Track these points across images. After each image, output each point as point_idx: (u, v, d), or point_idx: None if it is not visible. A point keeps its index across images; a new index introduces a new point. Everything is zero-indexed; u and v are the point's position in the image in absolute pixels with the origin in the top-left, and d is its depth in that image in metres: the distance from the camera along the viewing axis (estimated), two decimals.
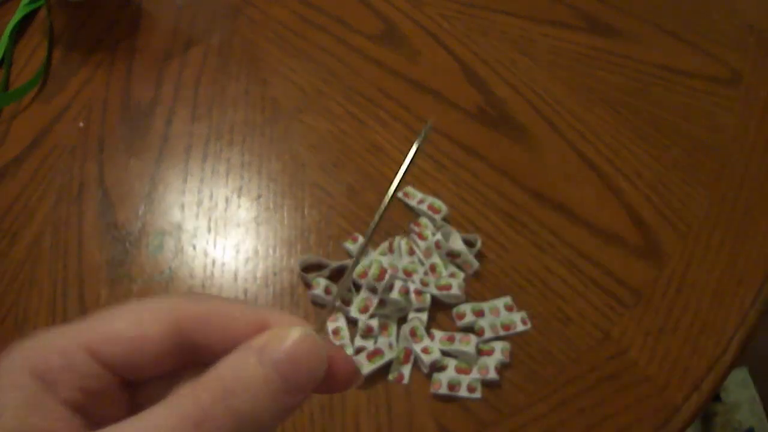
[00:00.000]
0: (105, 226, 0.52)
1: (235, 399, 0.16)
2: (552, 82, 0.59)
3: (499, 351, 0.45)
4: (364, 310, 0.45)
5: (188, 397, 0.16)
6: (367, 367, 0.44)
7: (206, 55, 0.60)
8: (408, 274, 0.47)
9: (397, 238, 0.49)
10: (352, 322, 0.46)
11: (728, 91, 0.59)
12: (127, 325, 0.17)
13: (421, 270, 0.48)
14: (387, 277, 0.44)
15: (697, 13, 0.63)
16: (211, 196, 0.53)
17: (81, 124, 0.57)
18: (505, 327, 0.47)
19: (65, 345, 0.17)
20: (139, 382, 0.18)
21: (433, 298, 0.47)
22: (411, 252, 0.49)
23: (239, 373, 0.16)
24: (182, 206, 0.53)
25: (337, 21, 0.62)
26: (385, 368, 0.45)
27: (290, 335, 0.17)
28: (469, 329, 0.47)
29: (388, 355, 0.44)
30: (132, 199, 0.53)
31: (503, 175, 0.53)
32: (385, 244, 0.49)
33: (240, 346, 0.17)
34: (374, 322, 0.45)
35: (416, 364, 0.45)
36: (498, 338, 0.46)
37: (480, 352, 0.45)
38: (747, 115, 0.57)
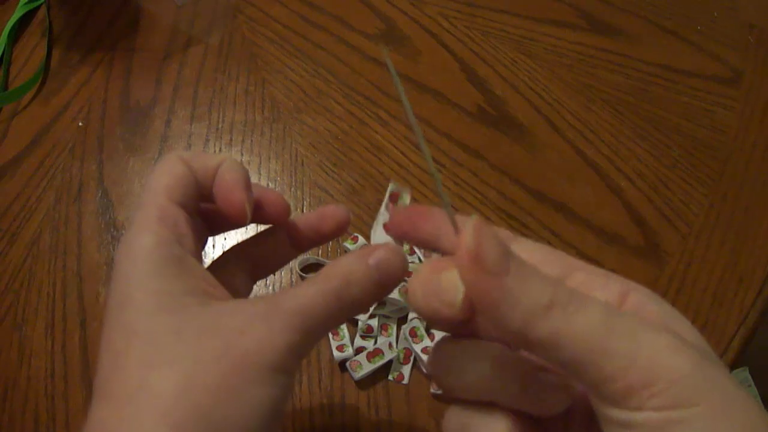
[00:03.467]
0: (104, 225, 0.52)
1: (353, 288, 0.23)
2: (552, 81, 0.59)
3: None
4: None
5: (330, 279, 0.22)
6: (367, 367, 0.44)
7: (206, 54, 0.60)
8: (408, 274, 0.47)
9: None
10: (352, 322, 0.46)
11: (729, 90, 0.59)
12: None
13: None
14: None
15: (697, 13, 0.63)
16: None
17: (80, 124, 0.57)
18: None
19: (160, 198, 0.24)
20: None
21: None
22: (411, 252, 0.48)
23: (355, 268, 0.23)
24: None
25: (337, 20, 0.62)
26: (385, 368, 0.45)
27: (386, 247, 0.25)
28: None
29: (388, 355, 0.44)
30: (131, 199, 0.53)
31: (503, 175, 0.53)
32: None
33: (352, 253, 0.24)
34: (374, 322, 0.45)
35: (416, 364, 0.45)
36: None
37: None
38: (747, 114, 0.57)
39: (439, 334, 0.45)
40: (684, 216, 0.52)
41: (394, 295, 0.45)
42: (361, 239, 0.49)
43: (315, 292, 0.22)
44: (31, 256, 0.50)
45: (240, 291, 0.28)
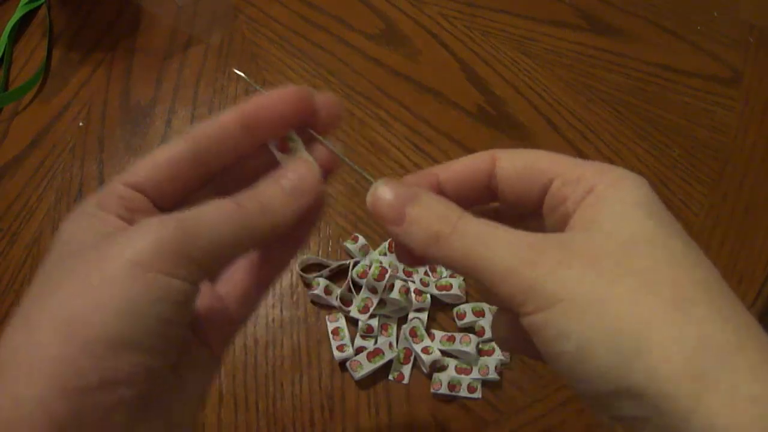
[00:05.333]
0: None
1: (259, 195, 0.23)
2: (552, 81, 0.59)
3: (500, 351, 0.45)
4: (364, 310, 0.45)
5: (230, 197, 0.22)
6: (367, 367, 0.44)
7: (206, 54, 0.60)
8: (408, 274, 0.47)
9: None
10: (352, 322, 0.46)
11: (729, 90, 0.59)
12: (146, 159, 0.23)
13: (421, 270, 0.48)
14: (387, 277, 0.44)
15: (697, 13, 0.63)
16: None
17: (81, 124, 0.57)
18: None
19: (111, 182, 0.23)
20: (168, 209, 0.24)
21: (434, 298, 0.47)
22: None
23: (263, 185, 0.23)
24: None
25: (337, 20, 0.62)
26: (386, 368, 0.45)
27: (295, 162, 0.24)
28: (469, 329, 0.47)
29: (389, 355, 0.44)
30: None
31: None
32: (385, 244, 0.49)
33: (267, 179, 0.24)
34: (374, 322, 0.45)
35: (416, 364, 0.45)
36: None
37: (480, 352, 0.45)
38: (747, 114, 0.57)
39: (438, 335, 0.46)
40: (684, 216, 0.52)
41: (395, 295, 0.45)
42: (362, 239, 0.49)
43: (211, 205, 0.22)
44: (31, 256, 0.50)
45: None
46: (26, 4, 0.62)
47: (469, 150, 0.55)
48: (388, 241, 0.49)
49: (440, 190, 0.26)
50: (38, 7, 0.63)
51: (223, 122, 0.24)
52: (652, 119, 0.57)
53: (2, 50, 0.60)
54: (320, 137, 0.25)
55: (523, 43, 0.61)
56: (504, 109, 0.57)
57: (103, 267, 0.19)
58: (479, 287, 0.28)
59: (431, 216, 0.23)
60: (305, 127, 0.25)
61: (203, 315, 0.25)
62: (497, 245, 0.21)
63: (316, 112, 0.25)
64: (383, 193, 0.24)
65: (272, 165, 0.25)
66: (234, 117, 0.24)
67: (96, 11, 0.63)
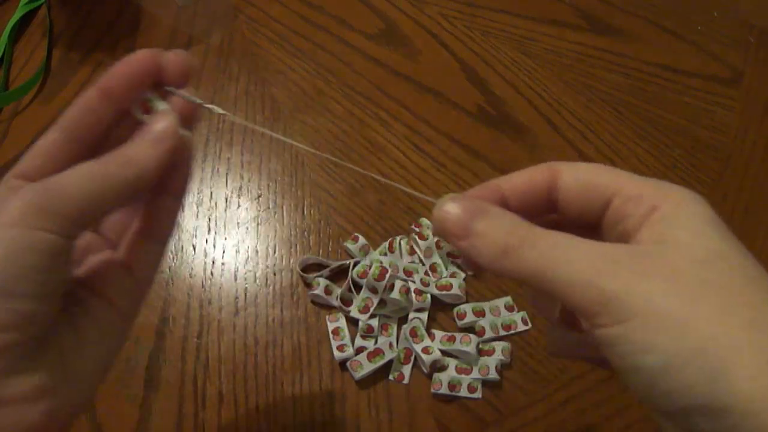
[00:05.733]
0: None
1: (121, 149, 0.25)
2: (552, 81, 0.59)
3: (500, 351, 0.45)
4: (364, 310, 0.45)
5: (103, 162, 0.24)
6: (367, 367, 0.44)
7: (206, 55, 0.60)
8: (408, 273, 0.47)
9: (398, 238, 0.49)
10: (352, 322, 0.46)
11: (729, 90, 0.59)
12: (30, 149, 0.25)
13: (421, 270, 0.48)
14: (387, 276, 0.44)
15: (697, 13, 0.63)
16: (211, 196, 0.53)
17: None
18: (506, 327, 0.47)
19: (5, 177, 0.25)
20: None
21: (434, 298, 0.47)
22: (411, 252, 0.49)
23: (126, 143, 0.25)
24: (182, 206, 0.52)
25: (337, 20, 0.62)
26: (386, 368, 0.45)
27: (153, 118, 0.26)
28: (469, 329, 0.47)
29: (389, 355, 0.44)
30: None
31: (504, 174, 0.53)
32: (385, 244, 0.49)
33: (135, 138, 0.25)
34: (375, 322, 0.45)
35: (417, 364, 0.45)
36: (499, 338, 0.46)
37: (480, 352, 0.45)
38: (747, 114, 0.57)
39: (438, 335, 0.46)
40: None
41: (395, 295, 0.45)
42: (362, 239, 0.49)
43: (77, 166, 0.24)
44: None
45: None
46: (26, 4, 0.62)
47: (469, 150, 0.55)
48: (388, 241, 0.49)
49: (504, 203, 0.26)
50: (38, 7, 0.63)
51: (83, 100, 0.26)
52: (652, 119, 0.57)
53: (2, 50, 0.60)
54: (175, 90, 0.26)
55: (523, 43, 0.61)
56: (504, 109, 0.57)
57: None
58: (531, 297, 0.28)
59: (499, 229, 0.23)
60: (159, 85, 0.27)
61: (100, 271, 0.26)
62: (573, 255, 0.21)
63: (165, 69, 0.26)
64: (450, 208, 0.24)
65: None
66: (92, 92, 0.26)
67: (96, 11, 0.63)
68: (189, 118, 0.27)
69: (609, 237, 0.24)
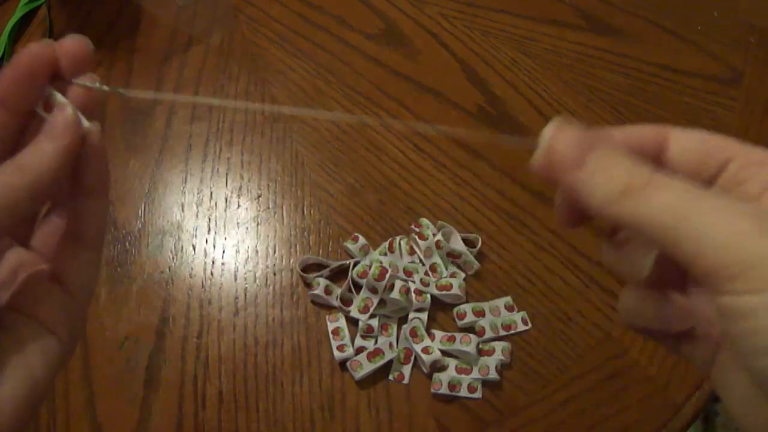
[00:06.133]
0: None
1: (17, 156, 0.22)
2: (552, 81, 0.59)
3: (500, 351, 0.45)
4: (364, 310, 0.45)
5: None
6: (367, 367, 0.44)
7: (206, 55, 0.60)
8: (408, 273, 0.47)
9: (398, 238, 0.49)
10: (352, 322, 0.46)
11: (729, 90, 0.59)
12: None
13: (421, 270, 0.48)
14: (387, 276, 0.44)
15: (697, 13, 0.63)
16: (210, 196, 0.53)
17: None
18: (506, 327, 0.46)
19: None
20: None
21: (434, 298, 0.47)
22: (411, 252, 0.49)
23: (27, 148, 0.23)
24: (182, 206, 0.52)
25: (337, 20, 0.62)
26: (386, 368, 0.45)
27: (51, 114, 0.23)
28: (469, 329, 0.47)
29: (389, 355, 0.44)
30: (132, 199, 0.53)
31: (504, 175, 0.53)
32: (385, 244, 0.49)
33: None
34: (374, 322, 0.45)
35: (417, 364, 0.45)
36: (498, 338, 0.46)
37: (480, 352, 0.45)
38: (747, 114, 0.57)
39: (438, 335, 0.46)
40: None
41: (395, 295, 0.45)
42: (362, 239, 0.49)
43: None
44: None
45: None
46: (26, 4, 0.62)
47: (469, 150, 0.55)
48: (388, 241, 0.49)
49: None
50: (38, 7, 0.63)
51: None
52: (652, 119, 0.57)
53: (2, 50, 0.60)
54: (73, 79, 0.24)
55: (523, 43, 0.61)
56: (504, 109, 0.57)
57: None
58: (610, 252, 0.25)
59: (621, 165, 0.20)
60: (58, 77, 0.24)
61: (24, 289, 0.24)
62: (713, 208, 0.18)
63: (59, 60, 0.24)
64: (565, 132, 0.21)
65: None
66: None
67: (96, 11, 0.63)
68: (88, 106, 0.24)
69: None
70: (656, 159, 0.23)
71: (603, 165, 0.20)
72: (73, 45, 0.24)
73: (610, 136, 0.24)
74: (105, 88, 0.25)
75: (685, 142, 0.23)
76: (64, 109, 0.23)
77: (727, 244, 0.18)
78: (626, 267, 0.24)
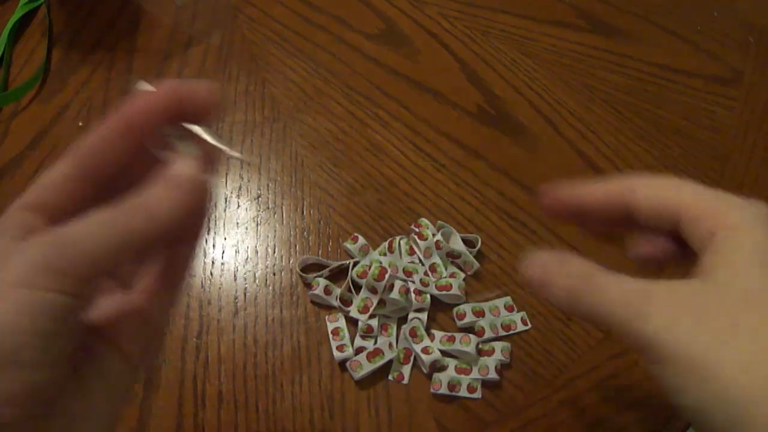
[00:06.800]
0: None
1: (136, 197, 0.22)
2: (552, 81, 0.59)
3: (500, 351, 0.45)
4: (364, 310, 0.45)
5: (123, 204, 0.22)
6: (367, 367, 0.44)
7: (206, 54, 0.60)
8: (408, 274, 0.47)
9: (397, 238, 0.49)
10: (352, 323, 0.46)
11: (729, 90, 0.59)
12: (38, 180, 0.23)
13: (421, 270, 0.48)
14: (387, 277, 0.44)
15: (697, 13, 0.63)
16: (210, 196, 0.53)
17: (80, 124, 0.57)
18: (506, 327, 0.46)
19: (11, 206, 0.23)
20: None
21: (433, 298, 0.47)
22: (411, 252, 0.48)
23: (142, 188, 0.23)
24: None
25: (337, 20, 0.62)
26: (385, 368, 0.45)
27: (174, 160, 0.24)
28: (469, 329, 0.47)
29: (388, 355, 0.44)
30: None
31: (503, 175, 0.53)
32: (384, 244, 0.49)
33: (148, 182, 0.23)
34: (374, 322, 0.45)
35: (416, 364, 0.45)
36: (498, 338, 0.46)
37: (480, 352, 0.45)
38: (747, 114, 0.57)
39: (438, 335, 0.45)
40: None
41: (394, 295, 0.45)
42: (361, 239, 0.49)
43: (89, 216, 0.21)
44: None
45: None
46: (26, 4, 0.62)
47: (469, 150, 0.55)
48: (388, 241, 0.49)
49: (582, 213, 0.28)
50: (38, 7, 0.63)
51: (99, 132, 0.24)
52: (652, 119, 0.57)
53: (2, 50, 0.60)
54: (200, 130, 0.24)
55: (523, 43, 0.61)
56: (504, 109, 0.57)
57: None
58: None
59: (566, 279, 0.25)
60: (183, 121, 0.24)
61: (111, 319, 0.24)
62: (611, 299, 0.22)
63: (190, 104, 0.24)
64: (532, 264, 0.26)
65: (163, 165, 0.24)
66: (109, 125, 0.24)
67: (96, 11, 0.63)
68: (209, 160, 0.25)
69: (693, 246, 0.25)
70: (627, 217, 0.26)
71: (554, 282, 0.25)
72: (205, 92, 0.24)
73: (576, 199, 0.28)
74: (228, 150, 0.25)
75: (644, 201, 0.26)
76: (188, 161, 0.24)
77: (627, 329, 0.22)
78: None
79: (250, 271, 0.49)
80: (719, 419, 0.19)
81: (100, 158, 0.24)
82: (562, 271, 0.25)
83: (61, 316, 0.20)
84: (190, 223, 0.24)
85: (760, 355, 0.19)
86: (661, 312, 0.21)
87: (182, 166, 0.23)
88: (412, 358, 0.45)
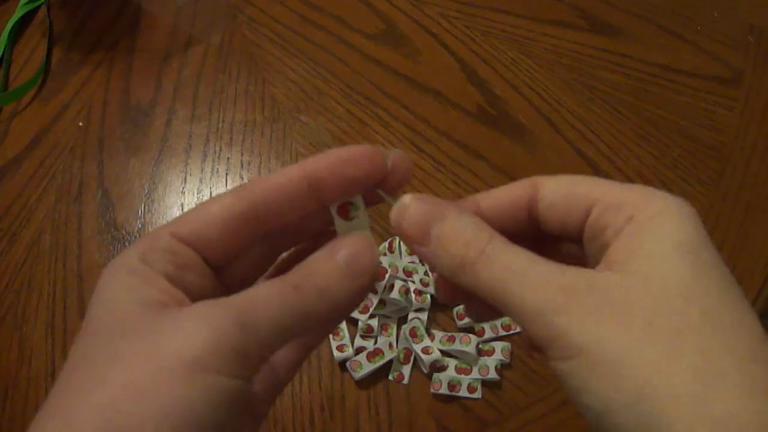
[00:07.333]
0: (105, 225, 0.52)
1: (316, 277, 0.21)
2: (552, 81, 0.59)
3: (500, 351, 0.45)
4: (364, 310, 0.45)
5: (285, 277, 0.21)
6: (367, 367, 0.44)
7: (206, 54, 0.60)
8: (408, 274, 0.47)
9: (397, 238, 0.49)
10: (352, 322, 0.46)
11: (729, 90, 0.59)
12: (197, 212, 0.22)
13: (421, 270, 0.48)
14: (387, 277, 0.44)
15: (697, 13, 0.63)
16: (210, 196, 0.53)
17: (80, 124, 0.57)
18: (506, 327, 0.46)
19: (157, 232, 0.21)
20: (219, 265, 0.22)
21: (434, 298, 0.47)
22: (411, 252, 0.49)
23: (319, 264, 0.21)
24: (182, 206, 0.52)
25: (337, 20, 0.62)
26: (385, 368, 0.45)
27: (353, 238, 0.22)
28: (469, 329, 0.47)
29: (388, 355, 0.44)
30: (132, 199, 0.53)
31: (503, 175, 0.53)
32: (385, 244, 0.49)
33: (319, 250, 0.22)
34: (374, 322, 0.45)
35: (416, 364, 0.45)
36: (498, 338, 0.46)
37: (480, 352, 0.45)
38: (747, 114, 0.57)
39: (438, 335, 0.46)
40: None
41: (395, 295, 0.45)
42: None
43: (269, 292, 0.20)
44: (31, 256, 0.50)
45: None
46: (26, 4, 0.62)
47: (469, 150, 0.55)
48: (388, 240, 0.49)
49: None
50: (38, 7, 0.63)
51: (286, 180, 0.22)
52: (652, 119, 0.57)
53: (2, 50, 0.60)
54: (386, 197, 0.23)
55: (523, 43, 0.61)
56: (504, 109, 0.57)
57: (154, 363, 0.18)
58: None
59: (458, 238, 0.22)
60: (374, 188, 0.23)
61: (256, 389, 0.24)
62: (526, 283, 0.20)
63: (387, 174, 0.22)
64: (409, 209, 0.22)
65: (328, 222, 0.23)
66: (299, 176, 0.22)
67: (96, 11, 0.63)
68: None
69: (590, 250, 0.23)
70: (529, 214, 0.24)
71: (443, 241, 0.22)
72: (404, 164, 0.23)
73: (457, 206, 0.24)
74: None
75: (552, 194, 0.24)
76: (369, 242, 0.22)
77: (534, 319, 0.20)
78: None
79: None
80: (630, 419, 0.18)
81: (277, 206, 0.22)
82: (452, 232, 0.22)
83: (239, 404, 0.19)
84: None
85: (682, 353, 0.18)
86: (579, 304, 0.19)
87: (361, 250, 0.22)
88: (412, 358, 0.45)
